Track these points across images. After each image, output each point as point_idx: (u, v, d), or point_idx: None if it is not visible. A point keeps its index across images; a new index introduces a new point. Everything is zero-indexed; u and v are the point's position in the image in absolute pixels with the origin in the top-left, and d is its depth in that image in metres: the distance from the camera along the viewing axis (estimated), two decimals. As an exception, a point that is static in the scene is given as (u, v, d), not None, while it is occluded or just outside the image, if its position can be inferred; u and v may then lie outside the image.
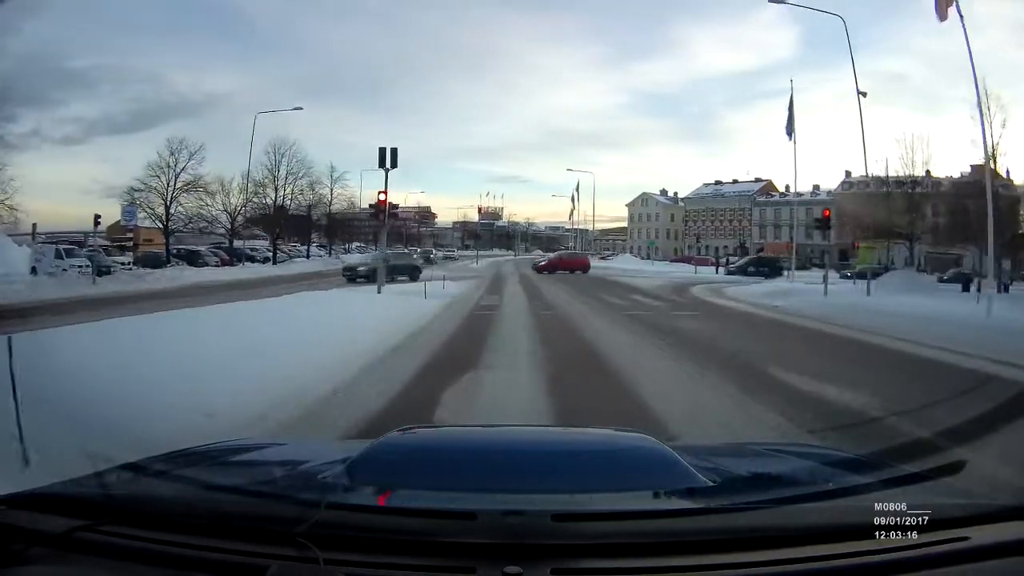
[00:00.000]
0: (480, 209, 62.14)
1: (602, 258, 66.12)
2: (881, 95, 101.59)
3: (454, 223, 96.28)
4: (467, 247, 53.95)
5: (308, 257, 44.84)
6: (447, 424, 4.83)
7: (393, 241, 76.73)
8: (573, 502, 1.49)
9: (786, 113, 31.31)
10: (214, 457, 2.02)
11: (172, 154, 37.51)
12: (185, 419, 4.21)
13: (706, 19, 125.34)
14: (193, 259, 37.09)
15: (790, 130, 30.88)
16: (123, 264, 32.63)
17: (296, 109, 36.77)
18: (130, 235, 42.01)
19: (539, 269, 36.24)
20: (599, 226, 77.41)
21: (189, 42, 70.95)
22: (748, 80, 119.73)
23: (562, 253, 46.45)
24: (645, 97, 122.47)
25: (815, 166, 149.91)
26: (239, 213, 38.81)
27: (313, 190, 46.64)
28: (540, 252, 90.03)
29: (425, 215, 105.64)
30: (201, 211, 38.00)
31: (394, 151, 21.03)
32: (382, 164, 21.05)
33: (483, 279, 30.51)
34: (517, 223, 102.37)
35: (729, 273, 40.20)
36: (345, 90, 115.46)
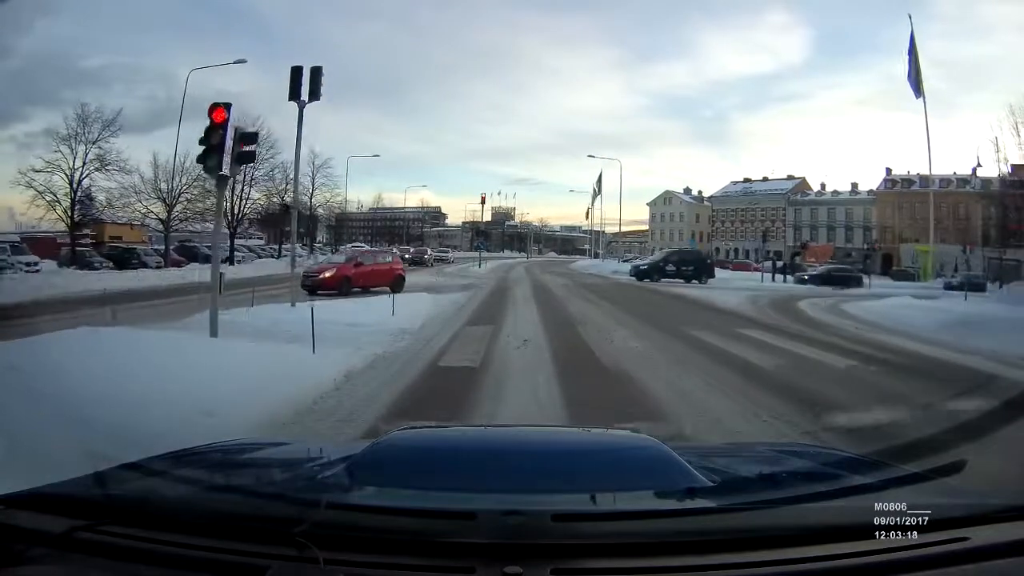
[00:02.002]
0: (483, 198, 52.27)
1: (624, 260, 56.12)
2: (890, 98, 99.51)
3: (463, 223, 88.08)
4: (477, 248, 44.09)
5: (278, 257, 35.43)
6: (447, 424, 4.48)
7: (393, 240, 67.81)
8: (573, 502, 1.46)
9: (907, 65, 21.14)
10: (214, 457, 1.98)
11: (81, 123, 28.16)
12: None
13: (721, 23, 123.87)
14: (125, 259, 30.74)
15: (916, 83, 20.72)
16: (28, 265, 26.77)
17: (238, 62, 27.18)
18: (84, 231, 35.62)
19: (311, 287, 18.28)
20: (614, 229, 68.45)
21: (201, 42, 68.71)
22: (764, 83, 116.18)
23: (359, 256, 22.42)
24: (661, 100, 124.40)
25: (814, 167, 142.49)
26: (177, 201, 29.12)
27: (287, 177, 37.58)
28: (554, 254, 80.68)
29: (436, 215, 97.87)
30: (111, 196, 28.42)
31: (316, 71, 13.84)
32: (294, 94, 13.77)
33: (477, 292, 20.41)
34: (530, 223, 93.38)
35: (640, 274, 31.80)
36: (358, 90, 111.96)
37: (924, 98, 21.50)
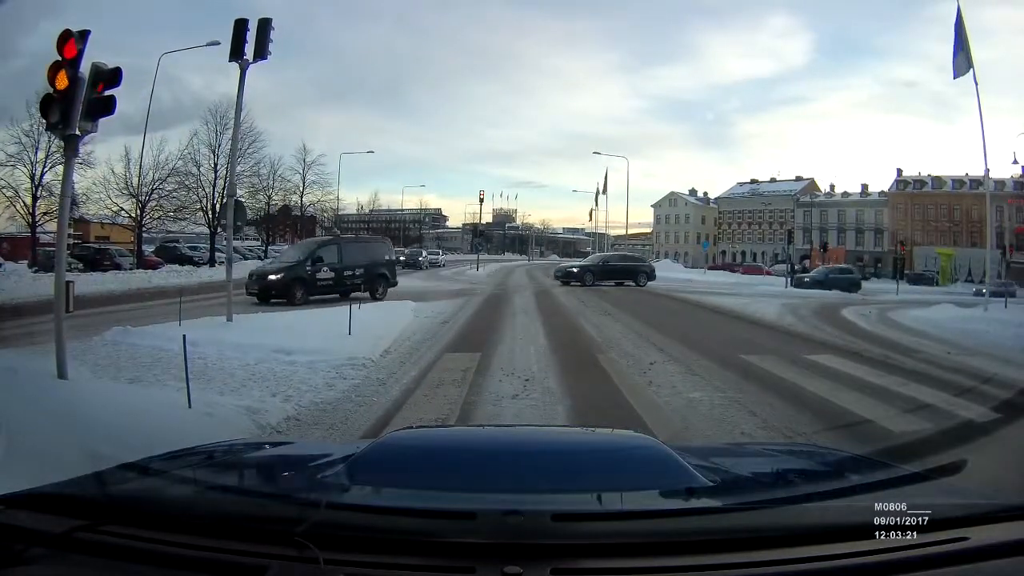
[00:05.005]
0: (481, 196, 49.34)
1: None
2: (896, 100, 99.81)
3: (463, 224, 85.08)
4: (475, 250, 40.74)
5: (263, 258, 32.42)
6: (447, 424, 4.33)
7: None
8: (573, 502, 1.45)
9: (952, 42, 17.78)
10: (214, 457, 1.95)
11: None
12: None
13: (723, 26, 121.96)
14: (96, 260, 27.98)
15: (966, 65, 17.39)
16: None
17: (211, 44, 24.02)
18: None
19: None
20: (618, 232, 66.87)
21: (199, 43, 63.49)
22: (767, 86, 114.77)
23: None
24: (663, 103, 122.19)
25: (822, 169, 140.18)
26: (150, 198, 26.26)
27: (274, 173, 34.80)
28: (556, 257, 77.99)
29: (436, 217, 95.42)
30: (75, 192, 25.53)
31: (263, 23, 10.98)
32: (236, 51, 10.80)
33: (470, 300, 17.51)
34: (531, 225, 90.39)
35: (263, 289, 17.40)
36: (359, 91, 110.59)
37: (977, 85, 18.09)
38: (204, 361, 7.32)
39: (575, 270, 27.35)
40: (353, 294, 16.98)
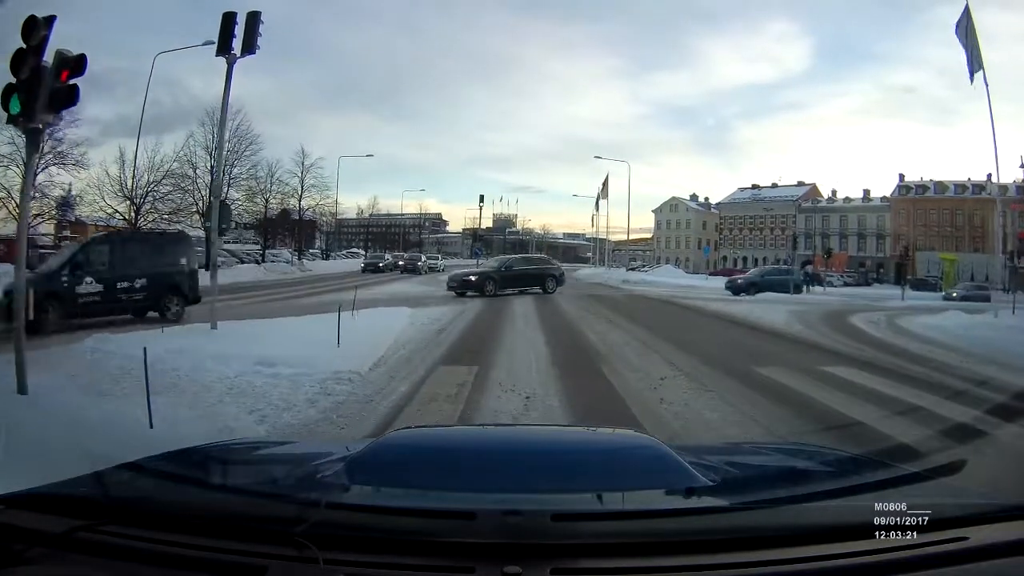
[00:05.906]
0: (481, 199, 48.90)
1: (630, 269, 52.36)
2: (897, 105, 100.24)
3: (463, 229, 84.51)
4: (475, 254, 40.30)
5: (261, 263, 32.09)
6: (447, 424, 4.34)
7: (392, 247, 64.59)
8: (573, 502, 1.44)
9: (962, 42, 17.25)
10: (214, 457, 1.96)
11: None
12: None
13: (723, 31, 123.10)
14: None
15: (976, 68, 16.88)
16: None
17: (207, 44, 23.54)
18: (65, 233, 33.12)
19: None
20: (617, 237, 65.79)
21: (204, 47, 65.21)
22: (767, 92, 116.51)
23: None
24: (663, 108, 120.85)
25: (823, 174, 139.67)
26: (145, 200, 25.82)
27: (271, 176, 34.39)
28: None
29: (436, 222, 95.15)
30: (68, 192, 25.37)
31: (252, 17, 10.51)
32: (223, 46, 10.45)
33: (469, 306, 16.86)
34: (532, 230, 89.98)
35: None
36: (360, 95, 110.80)
37: (987, 86, 17.59)
38: (179, 373, 6.86)
39: (473, 278, 22.62)
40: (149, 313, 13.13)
